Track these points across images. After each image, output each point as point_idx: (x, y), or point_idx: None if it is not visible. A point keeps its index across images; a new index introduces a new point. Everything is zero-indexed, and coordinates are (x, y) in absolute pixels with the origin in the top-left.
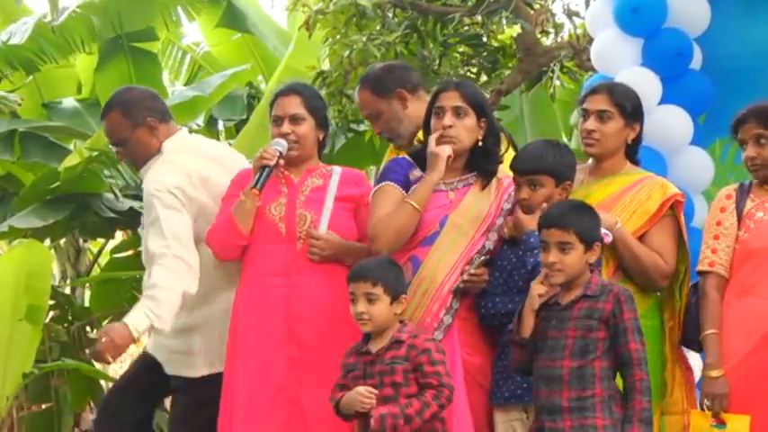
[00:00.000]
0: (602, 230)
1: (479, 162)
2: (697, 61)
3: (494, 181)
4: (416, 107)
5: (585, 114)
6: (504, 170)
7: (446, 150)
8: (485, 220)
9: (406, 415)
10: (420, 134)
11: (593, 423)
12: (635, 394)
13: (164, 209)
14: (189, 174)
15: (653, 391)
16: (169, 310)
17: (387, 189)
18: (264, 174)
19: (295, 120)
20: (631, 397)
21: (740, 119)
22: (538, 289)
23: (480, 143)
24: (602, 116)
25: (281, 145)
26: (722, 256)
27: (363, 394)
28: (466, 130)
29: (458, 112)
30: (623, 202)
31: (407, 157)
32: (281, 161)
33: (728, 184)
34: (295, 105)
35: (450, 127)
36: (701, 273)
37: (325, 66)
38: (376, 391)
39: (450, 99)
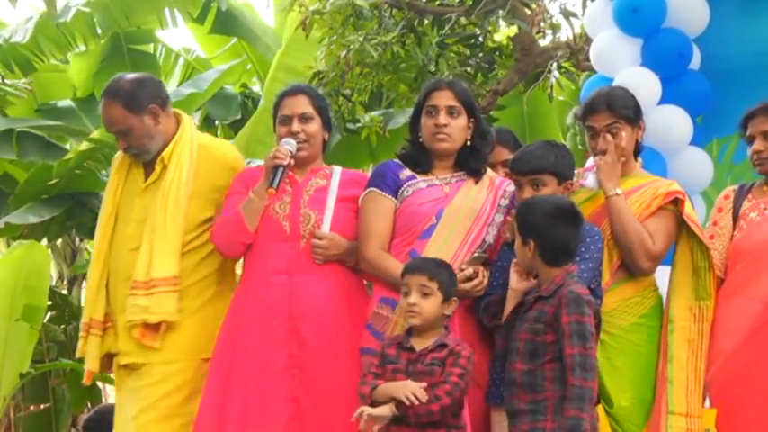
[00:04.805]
0: (588, 178)
1: (467, 161)
2: (696, 61)
3: (485, 177)
4: (167, 123)
5: (593, 133)
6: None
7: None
8: (480, 213)
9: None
10: (166, 152)
11: (542, 426)
12: (564, 402)
13: None
14: None
15: (650, 392)
16: None
17: (373, 196)
18: (280, 173)
19: (304, 119)
20: (563, 404)
21: (750, 114)
22: (514, 271)
23: (469, 143)
24: (611, 131)
25: (292, 144)
26: (716, 255)
27: (413, 391)
28: (459, 129)
29: (451, 112)
30: (628, 201)
31: (396, 159)
32: (292, 161)
33: (724, 184)
34: (303, 105)
35: (445, 126)
36: None
37: (322, 66)
38: (424, 389)
39: (443, 98)
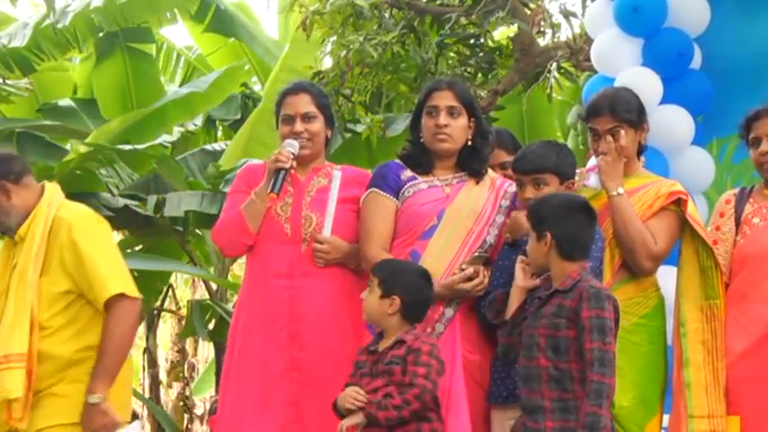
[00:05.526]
0: (591, 178)
1: (468, 161)
2: (697, 61)
3: (487, 178)
4: (22, 196)
5: (596, 135)
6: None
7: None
8: (481, 214)
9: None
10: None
11: (574, 426)
12: (585, 397)
13: None
14: None
15: (652, 392)
16: None
17: (374, 197)
18: (281, 177)
19: (307, 118)
20: (584, 400)
21: (754, 116)
22: (519, 269)
23: (470, 143)
24: (613, 135)
25: (294, 146)
26: (720, 260)
27: (351, 395)
28: (459, 129)
29: (451, 112)
30: (630, 201)
31: (397, 159)
32: (294, 163)
33: (725, 184)
34: (306, 103)
35: (445, 126)
36: None
37: (324, 65)
38: (363, 392)
39: (443, 98)
